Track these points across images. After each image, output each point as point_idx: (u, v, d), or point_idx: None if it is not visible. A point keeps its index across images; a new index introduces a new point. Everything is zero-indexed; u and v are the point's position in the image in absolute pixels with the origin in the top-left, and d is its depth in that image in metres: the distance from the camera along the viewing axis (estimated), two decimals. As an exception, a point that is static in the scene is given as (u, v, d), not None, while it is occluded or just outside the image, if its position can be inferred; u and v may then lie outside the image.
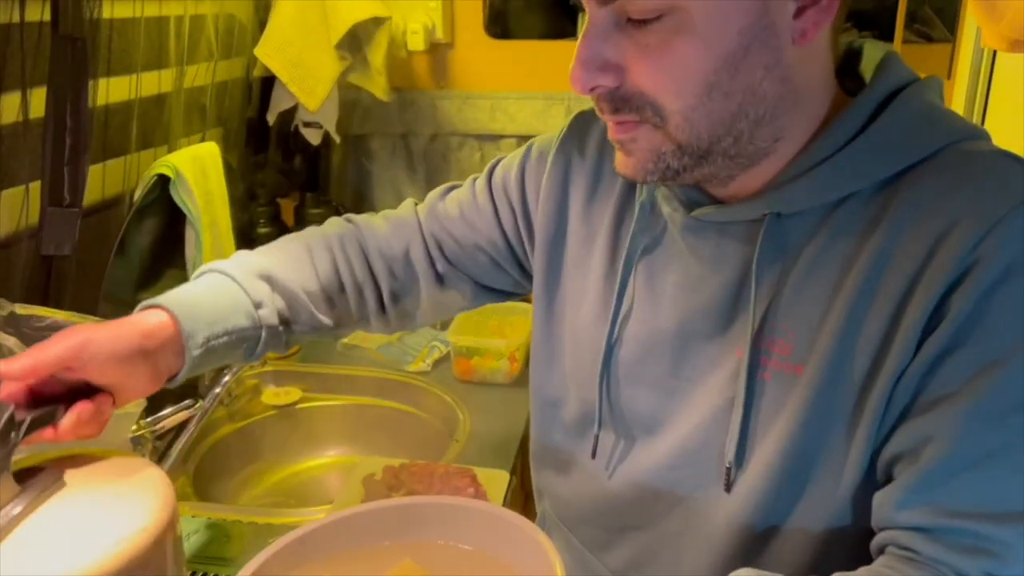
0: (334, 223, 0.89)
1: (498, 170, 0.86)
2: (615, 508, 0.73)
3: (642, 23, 0.57)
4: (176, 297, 0.74)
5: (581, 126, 0.79)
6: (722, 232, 0.66)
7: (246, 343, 0.78)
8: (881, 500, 0.58)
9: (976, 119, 1.08)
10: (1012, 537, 0.53)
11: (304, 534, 0.66)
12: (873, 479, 0.60)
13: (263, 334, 0.79)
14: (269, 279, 0.80)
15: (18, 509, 0.61)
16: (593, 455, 0.75)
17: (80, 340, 0.66)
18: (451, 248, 0.86)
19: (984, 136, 0.62)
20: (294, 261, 0.83)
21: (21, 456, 0.65)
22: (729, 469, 0.64)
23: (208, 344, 0.74)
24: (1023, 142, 0.96)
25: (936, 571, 0.54)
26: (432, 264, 0.86)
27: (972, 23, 1.04)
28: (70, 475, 0.66)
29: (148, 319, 0.72)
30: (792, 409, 0.61)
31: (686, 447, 0.68)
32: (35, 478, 0.64)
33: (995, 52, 1.02)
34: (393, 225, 0.88)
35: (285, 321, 0.81)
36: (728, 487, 0.64)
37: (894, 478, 0.58)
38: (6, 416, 0.61)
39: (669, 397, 0.69)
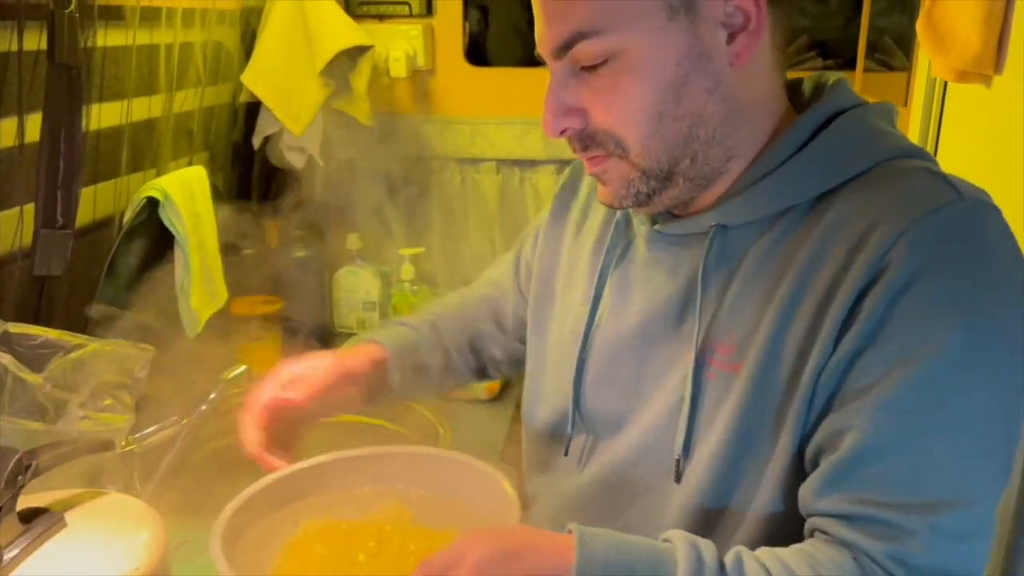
0: (448, 304, 1.01)
1: (526, 244, 0.96)
2: (587, 504, 0.78)
3: (592, 68, 0.65)
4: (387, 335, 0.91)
5: (577, 172, 0.89)
6: (680, 243, 0.72)
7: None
8: (805, 489, 0.63)
9: (930, 144, 1.14)
10: (915, 524, 0.57)
11: (285, 475, 0.74)
12: (803, 469, 0.64)
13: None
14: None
15: (20, 548, 0.64)
16: (566, 452, 0.80)
17: (346, 396, 0.84)
18: (511, 308, 0.97)
19: (920, 155, 0.67)
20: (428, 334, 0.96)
21: (27, 496, 0.68)
22: (678, 461, 0.69)
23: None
24: (973, 165, 1.01)
25: (848, 552, 0.59)
26: (502, 327, 0.97)
27: (925, 53, 1.10)
28: (71, 516, 0.69)
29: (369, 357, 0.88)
30: (731, 406, 0.66)
31: (644, 442, 0.73)
32: (39, 518, 0.67)
33: (946, 81, 1.08)
34: (474, 301, 1.01)
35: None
36: (678, 478, 0.70)
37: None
38: (14, 460, 0.65)
39: (634, 398, 0.75)
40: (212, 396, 1.23)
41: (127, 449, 1.09)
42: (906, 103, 1.26)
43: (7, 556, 0.63)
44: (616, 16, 0.62)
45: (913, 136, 1.18)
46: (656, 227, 0.74)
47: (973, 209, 0.61)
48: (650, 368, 0.73)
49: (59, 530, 0.68)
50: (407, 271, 1.72)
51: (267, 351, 1.59)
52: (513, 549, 0.59)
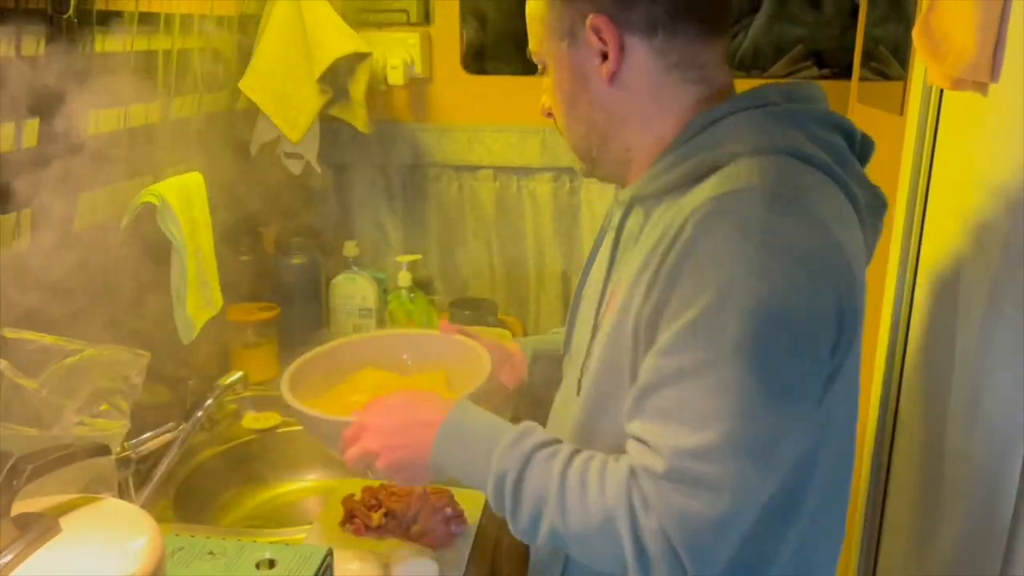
0: None
1: None
2: (551, 419, 0.98)
3: (546, 71, 0.88)
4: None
5: None
6: (619, 208, 0.89)
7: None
8: (623, 416, 0.77)
9: (926, 152, 1.14)
10: (659, 443, 0.71)
11: (351, 340, 1.10)
12: None
13: None
14: None
15: (15, 554, 0.64)
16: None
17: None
18: None
19: (777, 152, 0.75)
20: None
21: (22, 502, 0.68)
22: (579, 379, 0.87)
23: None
24: (970, 173, 1.01)
25: (628, 463, 0.74)
26: None
27: (921, 61, 1.11)
28: (66, 522, 0.69)
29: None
30: (603, 338, 0.83)
31: (576, 367, 0.90)
32: (33, 524, 0.67)
33: (942, 89, 1.09)
34: None
35: None
36: (578, 391, 0.87)
37: None
38: (8, 465, 0.65)
39: (587, 333, 0.90)
40: (208, 402, 1.23)
41: (123, 455, 1.09)
42: (902, 111, 1.26)
43: (1, 561, 0.63)
44: (540, 43, 0.86)
45: (908, 144, 1.18)
46: (616, 196, 0.92)
47: (756, 195, 0.71)
48: (600, 310, 0.88)
49: (54, 536, 0.68)
50: (404, 278, 1.72)
51: (263, 357, 1.59)
52: (409, 401, 0.88)
